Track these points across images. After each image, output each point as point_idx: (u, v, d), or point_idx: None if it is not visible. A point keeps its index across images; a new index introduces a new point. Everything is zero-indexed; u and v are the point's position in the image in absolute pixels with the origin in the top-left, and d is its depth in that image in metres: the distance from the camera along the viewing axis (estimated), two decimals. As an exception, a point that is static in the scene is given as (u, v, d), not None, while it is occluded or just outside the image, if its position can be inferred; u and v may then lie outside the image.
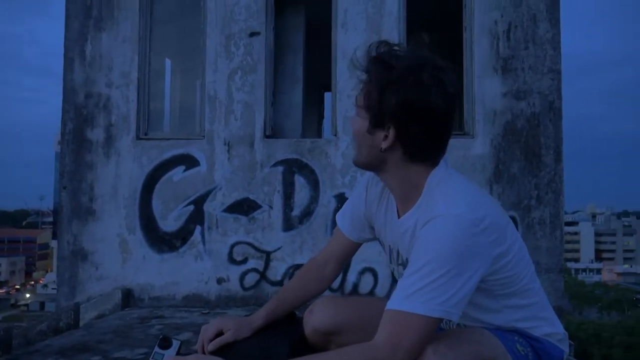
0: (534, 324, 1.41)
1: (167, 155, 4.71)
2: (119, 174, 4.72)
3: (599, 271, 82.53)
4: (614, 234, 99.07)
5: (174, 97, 6.35)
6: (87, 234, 4.69)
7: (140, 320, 3.95)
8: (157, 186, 4.69)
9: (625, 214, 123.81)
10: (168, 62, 6.17)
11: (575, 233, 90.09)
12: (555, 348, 1.42)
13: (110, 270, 4.65)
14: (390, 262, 1.53)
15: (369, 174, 1.56)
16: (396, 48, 1.32)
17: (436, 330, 1.24)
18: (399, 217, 1.42)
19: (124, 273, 4.64)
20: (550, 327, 1.43)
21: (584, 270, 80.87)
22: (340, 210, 1.65)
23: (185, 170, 4.69)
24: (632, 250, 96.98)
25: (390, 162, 1.35)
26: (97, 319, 4.20)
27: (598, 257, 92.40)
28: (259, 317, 1.56)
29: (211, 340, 1.50)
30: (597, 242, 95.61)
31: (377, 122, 1.31)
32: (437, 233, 1.23)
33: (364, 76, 1.33)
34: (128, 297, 4.57)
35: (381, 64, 1.29)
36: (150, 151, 4.73)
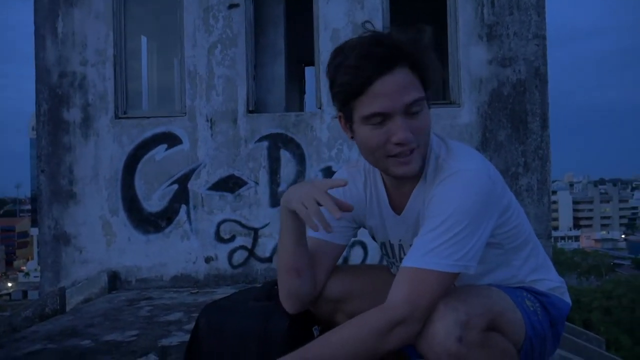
0: (541, 276, 1.43)
1: (148, 134, 4.59)
2: (98, 154, 4.59)
3: (577, 238, 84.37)
4: (591, 202, 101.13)
5: (151, 75, 6.16)
6: (68, 217, 4.57)
7: (128, 303, 3.88)
8: (139, 166, 4.58)
9: (602, 181, 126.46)
10: (144, 39, 5.98)
11: (554, 202, 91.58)
12: (561, 301, 1.45)
13: (95, 253, 4.55)
14: (390, 257, 1.50)
15: (342, 175, 1.45)
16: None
17: None
18: (394, 210, 1.39)
19: (109, 256, 4.55)
20: (554, 281, 1.46)
21: (563, 238, 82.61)
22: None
23: (167, 149, 4.57)
24: (608, 217, 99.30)
25: None
26: (84, 303, 4.12)
27: (576, 224, 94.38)
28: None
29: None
30: (575, 210, 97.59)
31: (428, 97, 1.27)
32: (455, 188, 1.22)
33: (400, 71, 1.20)
34: (114, 280, 4.49)
35: (407, 42, 1.22)
36: (131, 130, 4.60)
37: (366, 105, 1.20)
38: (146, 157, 4.57)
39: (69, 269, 4.54)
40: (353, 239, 4.68)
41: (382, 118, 1.21)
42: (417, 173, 1.28)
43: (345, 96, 1.23)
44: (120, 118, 4.63)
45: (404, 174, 1.26)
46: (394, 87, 1.18)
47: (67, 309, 3.89)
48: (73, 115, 4.61)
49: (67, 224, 4.56)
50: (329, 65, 1.27)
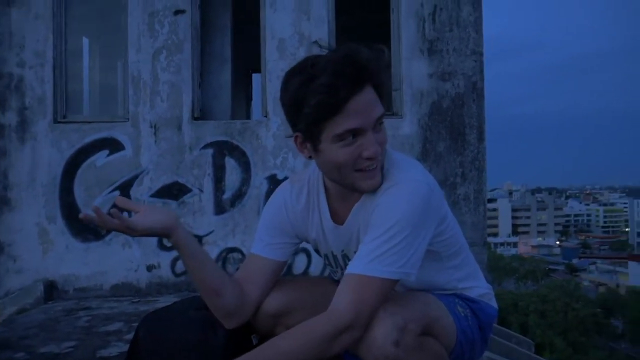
0: (471, 284, 1.51)
1: (89, 139, 4.48)
2: (36, 160, 4.44)
3: (515, 245, 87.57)
4: (528, 209, 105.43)
5: (92, 78, 6.01)
6: (2, 225, 4.38)
7: (65, 313, 3.77)
8: (79, 172, 4.45)
9: (539, 190, 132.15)
10: (85, 40, 5.83)
11: (494, 209, 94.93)
12: (489, 307, 1.53)
13: (30, 262, 4.38)
14: (334, 267, 1.53)
15: (276, 195, 1.52)
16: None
17: None
18: (336, 221, 1.42)
19: (45, 264, 4.40)
20: (483, 288, 1.54)
21: (502, 244, 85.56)
22: (257, 242, 1.50)
23: (109, 155, 4.48)
24: (544, 224, 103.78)
25: None
26: (18, 314, 3.96)
27: (514, 231, 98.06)
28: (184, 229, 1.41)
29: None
30: (513, 217, 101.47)
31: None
32: (399, 198, 1.28)
33: (366, 93, 1.24)
34: (51, 290, 4.34)
35: (371, 61, 1.24)
36: (70, 135, 4.48)
37: (340, 124, 1.21)
38: (86, 163, 4.45)
39: (3, 278, 4.35)
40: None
41: (353, 134, 1.23)
42: (380, 186, 1.32)
43: (319, 116, 1.21)
44: (59, 122, 4.50)
45: (371, 187, 1.31)
46: (365, 104, 1.23)
47: (0, 320, 3.73)
48: (9, 118, 4.44)
49: (1, 231, 4.38)
50: (289, 86, 1.25)
